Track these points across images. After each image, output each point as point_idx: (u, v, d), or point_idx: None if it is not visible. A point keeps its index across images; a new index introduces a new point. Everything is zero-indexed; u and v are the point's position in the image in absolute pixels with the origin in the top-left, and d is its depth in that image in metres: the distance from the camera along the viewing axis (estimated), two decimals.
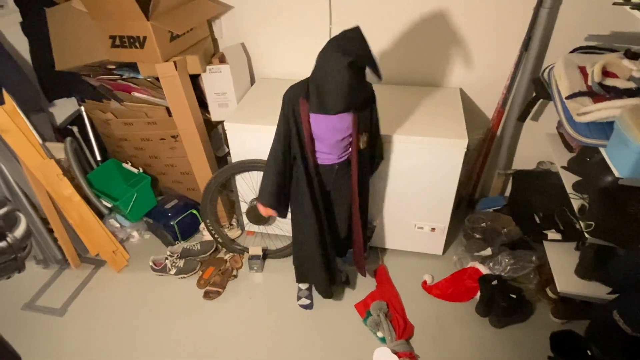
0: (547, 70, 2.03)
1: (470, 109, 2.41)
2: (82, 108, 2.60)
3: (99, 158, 2.73)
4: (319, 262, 1.98)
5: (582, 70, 1.79)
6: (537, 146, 2.43)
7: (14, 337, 2.13)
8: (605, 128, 1.59)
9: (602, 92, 1.63)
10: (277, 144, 1.74)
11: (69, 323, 2.22)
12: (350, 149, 1.78)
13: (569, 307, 2.03)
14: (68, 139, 2.39)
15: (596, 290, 1.74)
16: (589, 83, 1.68)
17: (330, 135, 1.70)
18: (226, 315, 2.21)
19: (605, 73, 1.67)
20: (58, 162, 2.28)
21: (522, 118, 2.29)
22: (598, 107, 1.56)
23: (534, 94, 2.16)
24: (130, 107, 2.40)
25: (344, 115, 1.64)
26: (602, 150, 1.60)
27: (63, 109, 2.77)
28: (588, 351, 1.75)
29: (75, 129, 2.66)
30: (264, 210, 1.89)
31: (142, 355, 2.05)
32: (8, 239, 0.65)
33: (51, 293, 2.39)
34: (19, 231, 0.67)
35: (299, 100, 1.63)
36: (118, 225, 2.69)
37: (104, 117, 2.48)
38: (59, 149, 2.37)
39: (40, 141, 2.23)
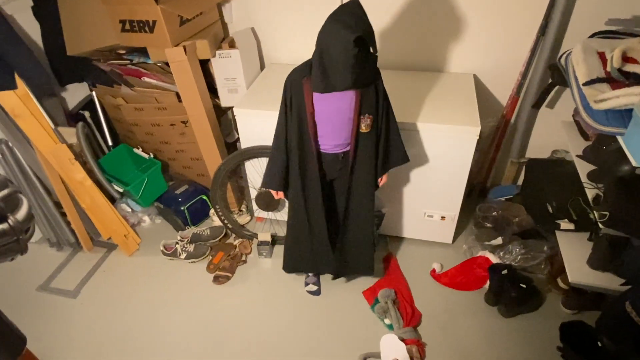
0: (565, 55, 1.97)
1: (483, 95, 2.36)
2: (94, 93, 2.61)
3: (110, 143, 2.75)
4: (307, 248, 2.02)
5: (601, 55, 1.73)
6: (552, 134, 2.37)
7: (28, 318, 2.21)
8: (624, 116, 1.54)
9: (621, 79, 1.57)
10: (281, 133, 1.75)
11: (82, 305, 2.27)
12: None
13: (580, 297, 2.00)
14: (80, 123, 2.41)
15: (608, 282, 1.71)
16: (608, 69, 1.63)
17: (333, 116, 1.66)
18: (235, 299, 2.23)
19: (625, 59, 1.62)
20: (70, 146, 2.30)
21: (537, 105, 2.24)
22: (616, 94, 1.51)
23: (550, 81, 2.10)
24: (141, 93, 2.40)
25: (348, 93, 1.60)
26: (619, 138, 1.55)
27: (75, 94, 2.78)
28: (598, 342, 1.74)
29: (87, 113, 2.68)
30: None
31: (152, 336, 2.09)
32: (9, 221, 0.65)
33: (65, 275, 2.44)
34: (21, 213, 0.67)
35: (303, 81, 1.60)
36: (129, 210, 2.72)
37: (115, 102, 2.49)
38: (71, 134, 2.39)
39: (53, 126, 2.25)
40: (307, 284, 2.25)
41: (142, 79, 2.37)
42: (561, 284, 2.10)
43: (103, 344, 2.07)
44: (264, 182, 1.90)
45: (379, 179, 1.91)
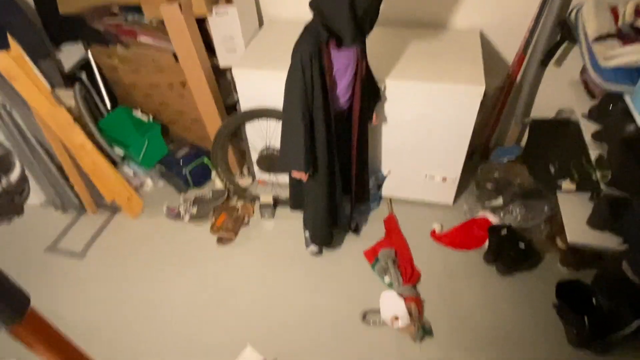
0: (575, 11, 1.89)
1: (489, 53, 2.29)
2: (89, 53, 2.55)
3: (108, 105, 2.71)
4: (324, 209, 2.00)
5: (614, 11, 1.66)
6: (558, 94, 2.32)
7: (38, 278, 2.27)
8: (633, 74, 1.50)
9: (632, 34, 1.52)
10: (299, 109, 1.60)
11: (89, 265, 2.33)
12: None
13: (577, 256, 2.03)
14: (77, 85, 2.37)
15: (606, 241, 1.73)
16: (619, 24, 1.57)
17: (348, 70, 1.68)
18: (238, 260, 2.28)
19: (639, 14, 1.55)
20: (68, 109, 2.28)
21: (544, 62, 2.18)
22: (626, 51, 1.46)
23: (559, 38, 2.03)
24: (137, 53, 2.34)
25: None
26: (626, 97, 1.51)
27: (70, 54, 2.71)
28: (593, 300, 1.78)
29: (83, 74, 2.62)
30: (300, 175, 1.78)
31: (157, 296, 2.15)
32: (2, 183, 0.66)
33: (71, 237, 2.49)
34: (14, 175, 0.68)
35: (323, 47, 1.53)
36: (131, 174, 2.73)
37: (111, 62, 2.43)
38: (68, 96, 2.36)
39: (50, 88, 2.21)
40: (308, 245, 2.28)
41: (137, 39, 2.30)
42: (559, 244, 2.12)
43: (110, 303, 2.14)
44: (299, 165, 1.71)
45: (373, 118, 2.01)
